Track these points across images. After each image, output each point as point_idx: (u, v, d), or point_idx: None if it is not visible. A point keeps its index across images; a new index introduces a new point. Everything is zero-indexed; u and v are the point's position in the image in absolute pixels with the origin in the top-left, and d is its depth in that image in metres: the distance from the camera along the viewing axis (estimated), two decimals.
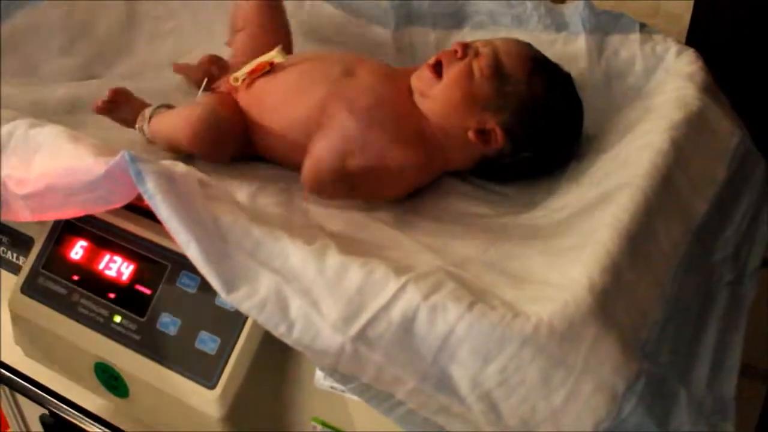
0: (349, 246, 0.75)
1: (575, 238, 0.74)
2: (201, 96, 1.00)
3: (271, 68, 0.98)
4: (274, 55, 0.98)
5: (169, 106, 0.98)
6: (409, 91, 0.95)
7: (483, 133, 0.91)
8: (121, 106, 1.00)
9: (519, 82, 0.91)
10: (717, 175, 0.82)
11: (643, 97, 0.92)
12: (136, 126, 0.98)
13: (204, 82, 1.01)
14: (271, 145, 0.96)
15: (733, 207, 0.83)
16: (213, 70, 1.08)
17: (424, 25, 1.11)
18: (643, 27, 0.97)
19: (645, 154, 0.77)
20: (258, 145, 0.97)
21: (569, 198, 0.85)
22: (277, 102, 0.96)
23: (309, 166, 0.89)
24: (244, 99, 0.98)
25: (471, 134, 0.91)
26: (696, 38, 1.04)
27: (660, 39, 0.95)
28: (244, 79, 0.98)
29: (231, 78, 0.98)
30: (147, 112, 0.97)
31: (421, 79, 0.94)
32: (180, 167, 0.76)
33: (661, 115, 0.82)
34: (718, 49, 0.98)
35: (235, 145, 0.95)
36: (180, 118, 0.93)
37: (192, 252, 0.70)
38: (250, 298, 0.69)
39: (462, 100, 0.91)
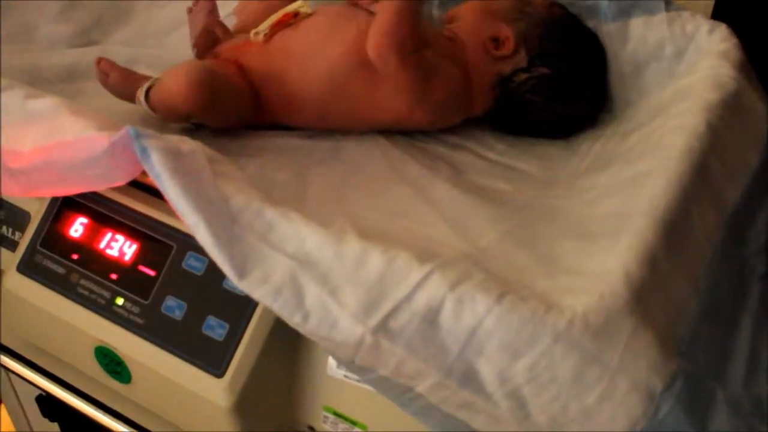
0: (366, 216, 0.72)
1: (608, 222, 0.70)
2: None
3: (295, 20, 0.93)
4: (300, 5, 0.93)
5: None
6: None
7: (496, 42, 0.93)
8: (108, 78, 0.93)
9: (539, 6, 0.95)
10: (750, 162, 0.78)
11: (674, 78, 0.88)
12: (136, 99, 0.91)
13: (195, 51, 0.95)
14: (300, 99, 0.90)
15: (765, 196, 0.79)
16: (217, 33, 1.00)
17: (433, 4, 1.06)
18: (668, 4, 0.93)
19: (680, 136, 0.73)
20: (275, 107, 0.91)
21: (597, 177, 0.81)
22: (310, 48, 0.90)
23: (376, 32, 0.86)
24: (259, 57, 0.91)
25: (485, 38, 0.93)
26: (723, 13, 0.99)
27: (688, 16, 0.91)
28: (266, 33, 0.92)
29: (251, 33, 0.91)
30: (145, 84, 0.90)
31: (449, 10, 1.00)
32: (188, 143, 0.71)
33: (695, 95, 0.78)
34: (745, 25, 0.93)
35: (236, 106, 0.88)
36: (172, 76, 0.86)
37: (201, 234, 0.66)
38: (263, 284, 0.65)
39: (480, 11, 0.96)
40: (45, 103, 0.76)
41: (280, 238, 0.66)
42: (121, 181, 0.72)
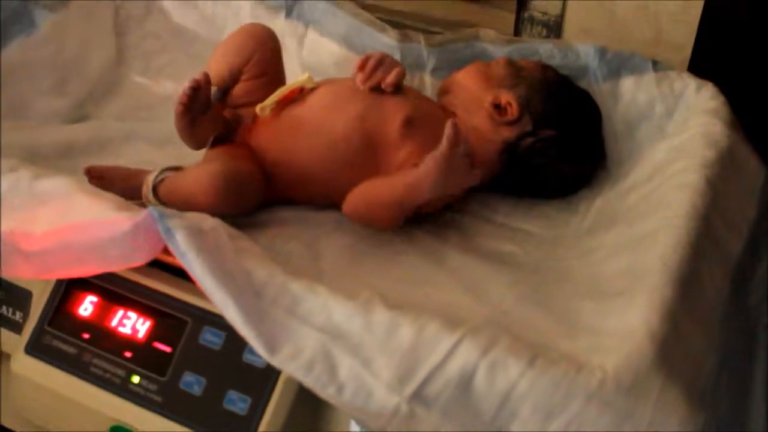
0: (385, 286, 0.73)
1: (620, 282, 0.73)
2: (209, 151, 0.94)
3: (300, 95, 0.93)
4: (305, 80, 0.93)
5: (174, 168, 0.90)
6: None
7: (499, 108, 0.94)
8: (104, 181, 0.90)
9: (533, 70, 0.98)
10: (748, 214, 0.82)
11: (666, 137, 0.91)
12: (143, 197, 0.89)
13: (210, 141, 0.94)
14: (307, 175, 0.91)
15: (763, 246, 0.82)
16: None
17: (426, 71, 1.08)
18: (655, 64, 0.97)
19: (683, 194, 0.76)
20: (283, 184, 0.92)
21: (602, 237, 0.83)
22: (316, 123, 0.91)
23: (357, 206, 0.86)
24: (267, 134, 0.92)
25: (487, 106, 0.94)
26: (698, 68, 1.04)
27: (675, 76, 0.95)
28: (272, 108, 0.92)
29: (257, 108, 0.92)
30: (150, 179, 0.88)
31: (443, 80, 1.02)
32: (208, 220, 0.72)
33: (691, 154, 0.82)
34: (721, 79, 0.98)
35: (256, 199, 0.88)
36: (196, 179, 0.84)
37: (230, 312, 0.66)
38: (295, 359, 0.65)
39: (476, 78, 0.97)
40: (55, 183, 0.76)
41: (308, 312, 0.67)
42: (141, 262, 0.72)
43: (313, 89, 0.94)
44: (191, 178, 0.85)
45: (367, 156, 0.90)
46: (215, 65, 0.96)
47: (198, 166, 0.88)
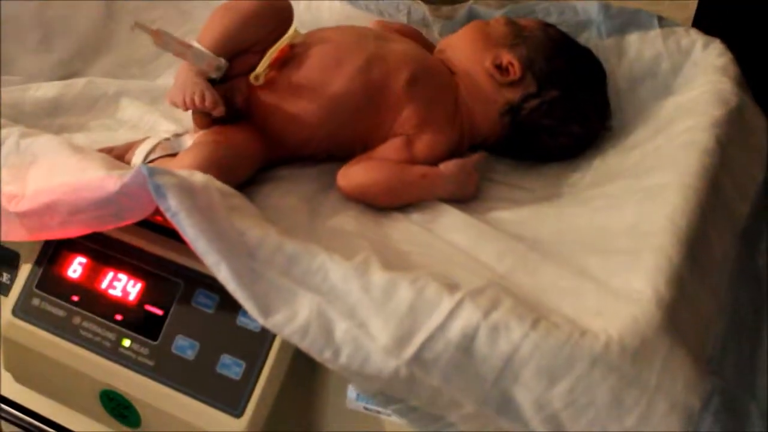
0: (381, 251, 0.71)
1: (626, 240, 0.71)
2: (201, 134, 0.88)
3: (292, 52, 0.89)
4: (292, 35, 0.88)
5: (160, 148, 0.86)
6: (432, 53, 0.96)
7: (500, 69, 0.91)
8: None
9: (535, 29, 0.94)
10: (756, 176, 0.80)
11: (672, 94, 0.89)
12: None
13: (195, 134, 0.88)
14: (310, 129, 0.88)
15: None
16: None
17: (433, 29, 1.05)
18: (661, 21, 0.94)
19: (691, 153, 0.74)
20: (282, 146, 0.88)
21: (605, 189, 0.81)
22: (317, 82, 0.87)
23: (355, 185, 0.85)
24: (264, 100, 0.88)
25: (488, 66, 0.91)
26: (702, 26, 1.01)
27: (682, 32, 0.92)
28: (265, 74, 0.87)
29: (251, 77, 0.87)
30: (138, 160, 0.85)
31: (443, 37, 0.99)
32: (198, 177, 0.69)
33: (700, 112, 0.80)
34: (725, 38, 0.95)
35: (250, 170, 0.85)
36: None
37: (223, 274, 0.64)
38: (290, 322, 0.63)
39: (474, 38, 0.94)
40: (42, 142, 0.74)
41: (303, 273, 0.65)
42: (131, 221, 0.70)
43: (303, 47, 0.89)
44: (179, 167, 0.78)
45: (369, 111, 0.88)
46: (224, 30, 0.87)
47: (186, 154, 0.83)
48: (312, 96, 0.87)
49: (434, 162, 0.87)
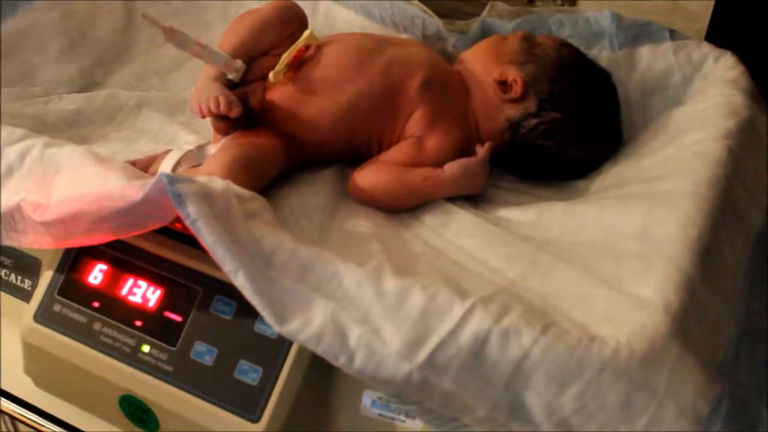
0: (393, 256, 0.72)
1: (637, 243, 0.72)
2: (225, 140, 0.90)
3: (309, 54, 0.91)
4: (308, 37, 0.90)
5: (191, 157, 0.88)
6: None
7: (504, 85, 0.92)
8: None
9: (548, 48, 0.94)
10: None
11: (682, 106, 0.90)
12: None
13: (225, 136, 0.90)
14: (327, 136, 0.90)
15: None
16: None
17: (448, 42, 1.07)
18: (672, 33, 0.95)
19: (702, 163, 0.75)
20: (301, 149, 0.90)
21: (615, 192, 0.82)
22: (336, 82, 0.89)
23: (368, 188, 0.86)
24: (282, 101, 0.90)
25: (491, 81, 0.92)
26: (716, 37, 1.02)
27: (694, 45, 0.93)
28: (285, 73, 0.89)
29: (270, 75, 0.88)
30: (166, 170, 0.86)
31: (457, 50, 1.01)
32: (217, 183, 0.71)
33: (711, 123, 0.80)
34: (738, 50, 0.96)
35: (275, 172, 0.87)
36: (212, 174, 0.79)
37: (240, 281, 0.65)
38: (305, 328, 0.64)
39: (488, 52, 0.95)
40: (67, 152, 0.76)
41: (318, 279, 0.66)
42: (153, 227, 0.71)
43: (320, 48, 0.92)
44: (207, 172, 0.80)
45: (384, 113, 0.90)
46: (241, 35, 0.91)
47: (213, 158, 0.85)
48: (329, 97, 0.89)
49: (442, 163, 0.88)
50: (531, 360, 0.61)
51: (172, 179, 0.66)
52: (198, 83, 0.89)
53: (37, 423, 0.87)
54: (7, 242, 0.78)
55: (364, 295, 0.65)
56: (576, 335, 0.61)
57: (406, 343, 0.63)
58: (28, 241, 0.77)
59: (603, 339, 0.61)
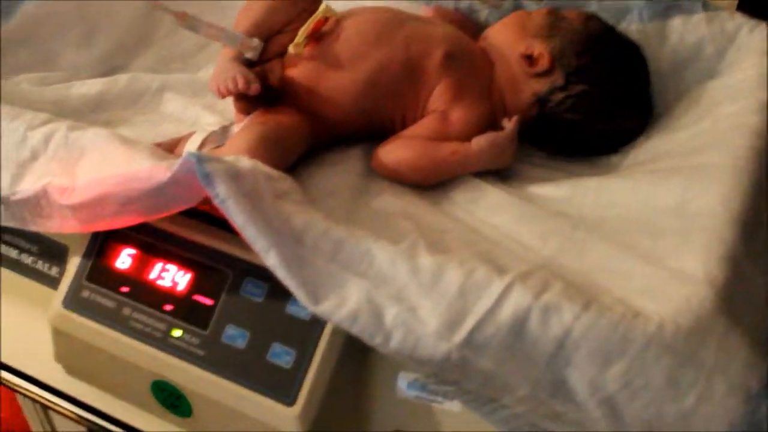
0: (426, 234, 0.71)
1: (676, 218, 0.70)
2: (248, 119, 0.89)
3: (328, 27, 0.90)
4: (325, 10, 0.88)
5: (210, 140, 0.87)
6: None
7: (530, 59, 0.91)
8: None
9: (575, 21, 0.93)
10: None
11: (716, 77, 0.88)
12: None
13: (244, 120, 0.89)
14: (350, 110, 0.88)
15: None
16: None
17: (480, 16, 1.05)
18: (705, 4, 0.92)
19: (741, 135, 0.73)
20: (325, 125, 0.89)
21: (650, 167, 0.80)
22: (358, 54, 0.88)
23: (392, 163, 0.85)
24: (303, 76, 0.89)
25: (517, 56, 0.91)
26: (748, 7, 0.99)
27: (727, 16, 0.91)
28: (306, 44, 0.88)
29: (291, 47, 0.87)
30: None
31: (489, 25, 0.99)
32: (244, 162, 0.69)
33: (746, 95, 0.79)
34: None
35: (300, 148, 0.86)
36: (237, 151, 0.79)
37: (272, 260, 0.64)
38: (339, 308, 0.63)
39: (513, 27, 0.94)
40: (91, 135, 0.75)
41: (349, 258, 0.65)
42: (181, 208, 0.70)
43: (339, 22, 0.90)
44: (232, 151, 0.80)
45: (406, 87, 0.89)
46: (256, 14, 0.90)
47: (237, 136, 0.84)
48: (349, 70, 0.88)
49: (468, 137, 0.87)
50: (573, 337, 0.59)
51: (200, 158, 0.65)
52: (217, 65, 0.88)
53: (69, 410, 0.86)
54: (33, 228, 0.77)
55: (397, 273, 0.63)
56: (619, 311, 0.60)
57: (443, 322, 0.61)
58: (55, 226, 0.76)
59: (647, 314, 0.59)
